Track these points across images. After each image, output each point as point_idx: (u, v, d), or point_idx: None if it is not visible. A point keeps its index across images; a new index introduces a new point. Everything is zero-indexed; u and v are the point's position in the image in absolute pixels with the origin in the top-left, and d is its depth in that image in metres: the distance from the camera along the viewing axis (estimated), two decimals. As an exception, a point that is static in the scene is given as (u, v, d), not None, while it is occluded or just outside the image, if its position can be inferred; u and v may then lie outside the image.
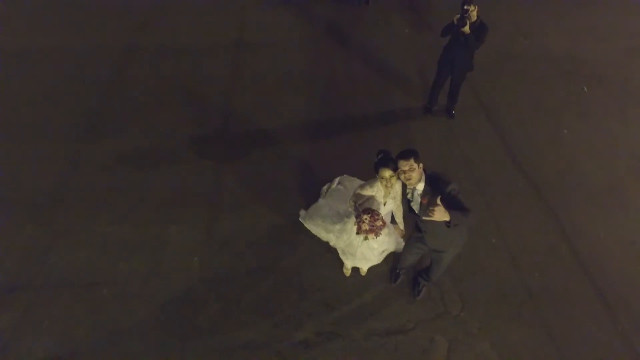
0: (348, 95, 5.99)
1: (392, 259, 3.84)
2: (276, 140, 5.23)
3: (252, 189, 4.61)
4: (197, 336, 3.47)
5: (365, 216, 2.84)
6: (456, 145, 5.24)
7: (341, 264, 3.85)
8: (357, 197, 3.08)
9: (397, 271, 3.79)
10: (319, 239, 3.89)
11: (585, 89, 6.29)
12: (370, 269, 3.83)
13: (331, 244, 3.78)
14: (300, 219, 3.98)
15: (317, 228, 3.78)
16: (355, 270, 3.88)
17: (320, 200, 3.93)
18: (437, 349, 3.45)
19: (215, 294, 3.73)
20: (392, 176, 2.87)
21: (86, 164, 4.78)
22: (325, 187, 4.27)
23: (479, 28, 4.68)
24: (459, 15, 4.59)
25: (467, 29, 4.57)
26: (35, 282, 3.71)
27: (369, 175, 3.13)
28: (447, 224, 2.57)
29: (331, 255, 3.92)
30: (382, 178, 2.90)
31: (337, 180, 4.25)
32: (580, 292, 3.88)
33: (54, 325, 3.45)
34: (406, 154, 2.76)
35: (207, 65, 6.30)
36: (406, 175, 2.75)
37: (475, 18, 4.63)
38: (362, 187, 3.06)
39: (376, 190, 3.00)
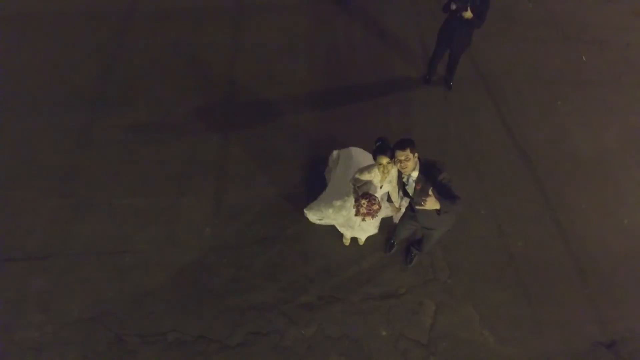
0: (348, 62, 6.02)
1: (387, 229, 4.18)
2: (279, 109, 5.37)
3: (257, 160, 4.85)
4: (212, 298, 3.90)
5: (363, 201, 3.13)
6: (452, 118, 5.40)
7: (341, 234, 4.20)
8: (356, 180, 3.34)
9: (392, 242, 4.15)
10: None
11: (584, 58, 6.31)
12: (368, 239, 4.19)
13: (330, 219, 4.06)
14: (305, 211, 4.20)
15: (316, 214, 4.01)
16: (354, 239, 4.24)
17: (326, 190, 4.13)
18: (426, 312, 3.90)
19: (226, 261, 4.11)
20: (389, 163, 3.11)
21: (96, 137, 4.97)
22: (330, 160, 4.47)
23: (481, 6, 4.65)
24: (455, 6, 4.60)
25: (468, 14, 4.57)
26: (64, 250, 4.08)
27: (367, 145, 3.36)
28: (437, 211, 2.86)
29: (331, 225, 4.26)
30: (380, 164, 3.14)
31: (335, 153, 4.45)
32: (557, 259, 4.28)
33: (85, 289, 3.87)
34: (403, 144, 2.97)
35: (207, 30, 6.25)
36: (402, 164, 2.99)
37: None
38: (360, 171, 3.31)
39: (374, 175, 3.26)
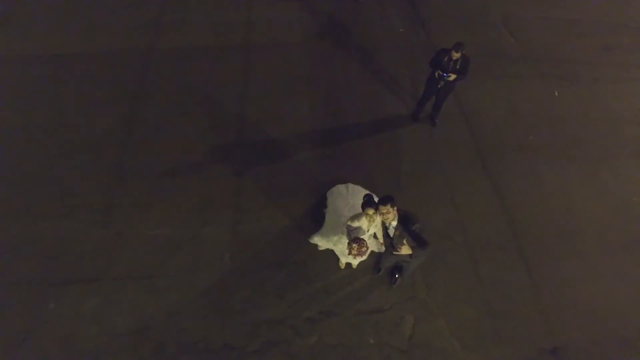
0: (345, 101, 6.83)
1: (376, 256, 5.03)
2: (284, 148, 6.19)
3: (266, 195, 5.70)
4: (232, 315, 4.78)
5: (354, 245, 3.96)
6: (435, 154, 6.21)
7: (337, 259, 5.06)
8: (348, 227, 4.18)
9: (379, 267, 5.01)
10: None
11: (557, 93, 7.09)
12: (359, 263, 5.04)
13: (330, 246, 4.93)
14: (310, 240, 5.07)
15: (322, 241, 4.90)
16: (348, 264, 5.10)
17: (324, 226, 5.00)
18: (406, 324, 4.77)
19: (243, 283, 4.98)
20: (374, 213, 3.95)
21: (128, 172, 5.81)
22: (328, 196, 5.36)
23: (462, 64, 5.47)
24: (440, 74, 5.48)
25: (452, 77, 5.41)
26: (108, 274, 4.95)
27: (362, 180, 4.42)
28: (409, 256, 3.71)
29: (330, 252, 5.11)
30: (367, 214, 3.98)
31: (330, 191, 5.35)
32: (518, 281, 5.13)
33: (130, 307, 4.74)
34: (385, 200, 3.81)
35: (218, 70, 7.06)
36: (384, 216, 3.84)
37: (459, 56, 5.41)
38: (352, 219, 4.15)
39: (362, 222, 4.10)
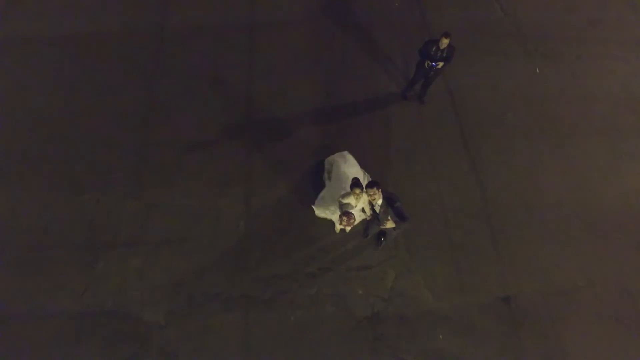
0: (343, 79, 7.47)
1: (365, 223, 6.01)
2: (288, 125, 6.96)
3: (274, 168, 6.57)
4: (248, 271, 5.87)
5: (344, 217, 4.91)
6: (422, 131, 6.99)
7: (334, 225, 6.05)
8: (340, 202, 5.12)
9: (367, 232, 6.03)
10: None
11: (538, 70, 7.68)
12: (352, 229, 6.02)
13: (328, 215, 5.91)
14: (314, 207, 6.00)
15: (322, 211, 5.86)
16: (342, 230, 6.09)
17: (324, 191, 5.92)
18: (388, 278, 5.88)
19: (256, 245, 6.03)
20: (360, 192, 4.88)
21: (150, 150, 6.65)
22: (327, 166, 6.25)
23: (449, 52, 6.06)
24: (429, 64, 6.08)
25: (440, 64, 6.01)
26: (144, 239, 5.99)
27: (356, 156, 5.62)
28: (393, 229, 4.69)
29: (328, 219, 6.09)
30: (354, 193, 4.90)
31: (328, 160, 6.25)
32: (483, 243, 6.16)
33: (165, 266, 5.83)
34: (372, 185, 4.72)
35: (225, 50, 7.62)
36: (371, 197, 4.77)
37: (446, 45, 5.98)
38: (342, 196, 5.07)
39: (351, 199, 5.02)
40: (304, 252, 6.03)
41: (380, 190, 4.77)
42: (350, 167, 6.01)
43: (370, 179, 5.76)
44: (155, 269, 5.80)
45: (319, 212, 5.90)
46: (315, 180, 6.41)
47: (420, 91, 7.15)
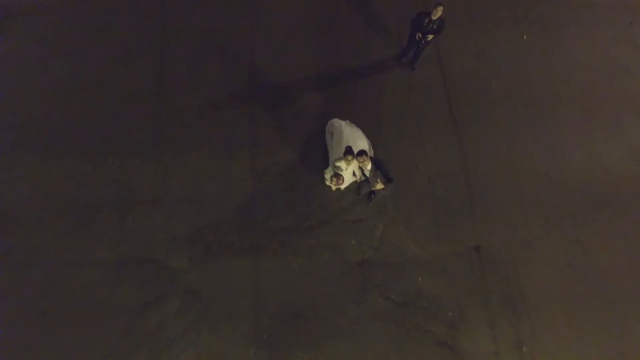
0: (342, 46, 7.94)
1: (358, 183, 6.84)
2: (290, 92, 7.57)
3: (277, 132, 7.28)
4: (256, 224, 6.80)
5: (334, 178, 5.76)
6: (412, 96, 7.60)
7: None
8: (333, 165, 5.92)
9: (359, 191, 6.89)
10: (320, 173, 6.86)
11: (525, 37, 8.09)
12: (346, 188, 6.88)
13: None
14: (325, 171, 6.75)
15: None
16: (338, 188, 6.94)
17: (332, 155, 6.65)
18: (377, 230, 6.83)
19: (263, 203, 6.91)
20: (352, 158, 5.67)
21: (165, 117, 7.31)
22: (327, 127, 7.01)
23: (439, 24, 6.51)
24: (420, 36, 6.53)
25: (430, 37, 6.48)
26: (165, 198, 6.85)
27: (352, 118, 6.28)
28: (382, 189, 5.56)
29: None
30: (346, 159, 5.70)
31: (329, 123, 6.98)
32: (461, 199, 7.04)
33: (184, 219, 6.74)
34: (361, 153, 5.54)
35: (230, 18, 8.00)
36: (362, 163, 5.58)
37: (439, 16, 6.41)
38: (336, 160, 5.88)
39: (342, 164, 5.82)
40: (304, 208, 6.93)
41: (369, 157, 5.56)
42: (354, 132, 6.75)
43: (371, 146, 6.61)
44: (177, 222, 6.74)
45: (327, 174, 6.67)
46: (316, 143, 7.14)
47: (411, 59, 7.64)
